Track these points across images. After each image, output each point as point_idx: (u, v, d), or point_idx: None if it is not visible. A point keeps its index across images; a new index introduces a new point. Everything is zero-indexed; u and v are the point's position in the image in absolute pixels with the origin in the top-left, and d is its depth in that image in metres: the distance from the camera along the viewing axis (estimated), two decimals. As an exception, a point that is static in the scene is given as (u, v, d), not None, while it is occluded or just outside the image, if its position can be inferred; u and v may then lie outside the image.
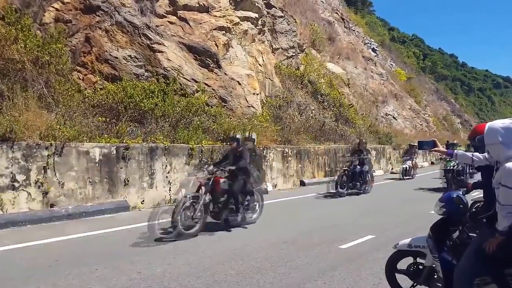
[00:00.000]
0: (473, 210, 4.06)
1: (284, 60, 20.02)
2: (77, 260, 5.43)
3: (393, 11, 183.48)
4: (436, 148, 3.78)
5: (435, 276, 3.72)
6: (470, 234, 3.62)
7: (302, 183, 15.29)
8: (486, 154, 3.35)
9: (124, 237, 6.94)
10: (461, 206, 3.62)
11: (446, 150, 3.85)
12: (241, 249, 6.14)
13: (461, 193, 3.76)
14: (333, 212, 9.69)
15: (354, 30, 36.05)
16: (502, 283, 3.20)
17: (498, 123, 3.09)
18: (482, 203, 4.15)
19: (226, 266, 5.24)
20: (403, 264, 4.02)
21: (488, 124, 3.16)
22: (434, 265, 3.66)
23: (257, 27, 17.77)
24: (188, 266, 5.24)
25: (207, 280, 4.70)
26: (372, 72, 32.31)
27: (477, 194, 4.29)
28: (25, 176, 7.85)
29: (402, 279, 4.03)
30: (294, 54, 20.93)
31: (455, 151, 3.72)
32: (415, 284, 3.94)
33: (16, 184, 7.72)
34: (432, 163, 31.12)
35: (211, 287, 4.52)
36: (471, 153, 3.61)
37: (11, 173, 7.69)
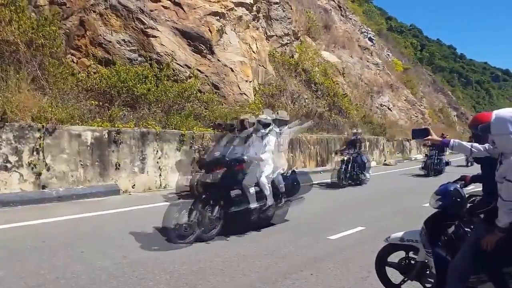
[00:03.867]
0: (470, 204, 3.86)
1: (278, 47, 20.02)
2: (64, 242, 5.48)
3: (391, 0, 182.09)
4: (429, 137, 3.38)
5: (427, 272, 3.61)
6: (466, 229, 3.44)
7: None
8: (487, 145, 3.13)
9: (113, 221, 7.03)
10: (458, 199, 3.42)
11: (440, 139, 3.46)
12: (228, 237, 6.09)
13: (458, 186, 3.55)
14: (323, 202, 9.60)
15: (351, 19, 35.89)
16: (499, 282, 3.04)
17: (507, 113, 2.87)
18: (479, 197, 3.96)
19: (212, 253, 5.23)
20: (394, 258, 3.92)
21: (496, 113, 2.91)
22: (426, 261, 3.54)
23: (252, 13, 17.70)
24: (173, 253, 5.24)
25: (192, 267, 4.70)
26: (368, 61, 32.30)
27: (473, 187, 4.12)
28: (17, 157, 7.98)
29: (392, 273, 3.94)
30: (288, 42, 20.92)
31: (452, 140, 3.35)
32: (405, 279, 3.81)
33: (9, 165, 7.85)
34: (426, 155, 31.14)
35: (196, 273, 4.51)
36: (470, 143, 3.32)
37: (3, 154, 7.81)
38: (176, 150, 10.91)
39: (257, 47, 17.26)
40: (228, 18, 15.73)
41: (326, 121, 19.31)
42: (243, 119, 8.51)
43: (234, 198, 6.24)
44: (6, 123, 7.88)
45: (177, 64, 12.49)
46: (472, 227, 3.41)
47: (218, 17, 15.05)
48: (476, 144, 3.25)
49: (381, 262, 3.93)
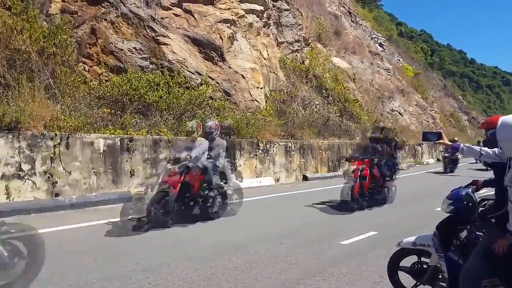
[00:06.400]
0: (481, 208, 3.84)
1: (289, 54, 19.98)
2: (78, 250, 5.49)
3: (401, 6, 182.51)
4: (440, 141, 3.51)
5: (440, 276, 3.62)
6: (478, 233, 3.47)
7: (305, 178, 15.31)
8: (496, 150, 3.14)
9: (126, 228, 6.95)
10: (470, 204, 3.44)
11: (451, 143, 3.55)
12: (241, 242, 6.09)
13: (470, 190, 3.58)
14: (335, 207, 9.50)
15: (361, 25, 35.83)
16: None
17: None
18: (491, 201, 3.95)
19: (225, 259, 5.19)
20: (406, 262, 3.93)
21: (502, 119, 2.93)
22: (439, 265, 3.55)
23: (262, 20, 17.72)
24: (187, 259, 5.20)
25: (205, 273, 4.67)
26: (378, 67, 32.12)
27: (485, 191, 4.12)
28: (30, 166, 7.97)
29: (404, 278, 3.94)
30: (299, 48, 20.88)
31: (462, 145, 3.43)
32: (417, 283, 3.83)
33: (22, 173, 7.83)
34: (438, 160, 30.87)
35: (209, 280, 4.47)
36: (479, 147, 3.37)
37: (17, 162, 7.80)
38: (188, 157, 10.81)
39: (268, 54, 17.23)
40: (239, 25, 15.74)
41: (337, 127, 19.13)
42: None
43: None
44: (20, 132, 7.87)
45: (188, 71, 12.47)
46: (483, 231, 3.43)
47: (228, 24, 15.06)
48: (486, 149, 3.24)
49: (393, 267, 3.95)
